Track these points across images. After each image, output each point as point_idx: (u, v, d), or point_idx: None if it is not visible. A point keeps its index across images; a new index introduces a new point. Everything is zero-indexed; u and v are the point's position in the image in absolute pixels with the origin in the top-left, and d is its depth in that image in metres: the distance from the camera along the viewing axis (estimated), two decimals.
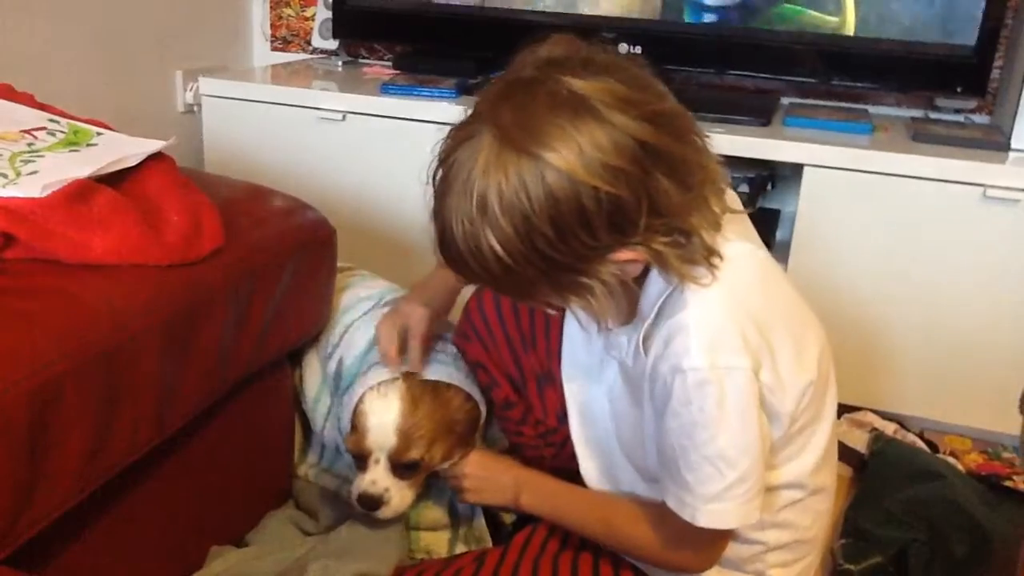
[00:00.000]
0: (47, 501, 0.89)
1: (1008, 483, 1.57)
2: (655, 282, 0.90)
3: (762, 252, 0.96)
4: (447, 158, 0.83)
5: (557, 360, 1.16)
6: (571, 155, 0.77)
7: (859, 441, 1.66)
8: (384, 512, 1.20)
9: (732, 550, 1.00)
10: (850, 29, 1.83)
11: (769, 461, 0.95)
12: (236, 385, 1.19)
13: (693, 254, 0.85)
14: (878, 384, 1.77)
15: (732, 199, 0.95)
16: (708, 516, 0.91)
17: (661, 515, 0.96)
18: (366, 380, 1.22)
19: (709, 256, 0.86)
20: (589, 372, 1.09)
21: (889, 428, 1.72)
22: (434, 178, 0.85)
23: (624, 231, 0.81)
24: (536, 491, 1.14)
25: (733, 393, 0.86)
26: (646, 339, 0.92)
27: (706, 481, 0.89)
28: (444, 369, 1.25)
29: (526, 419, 1.24)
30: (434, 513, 1.34)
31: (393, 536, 1.25)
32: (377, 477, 1.19)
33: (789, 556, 1.05)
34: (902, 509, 1.42)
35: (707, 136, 0.88)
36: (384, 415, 1.19)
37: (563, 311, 1.08)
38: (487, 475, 1.20)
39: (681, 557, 0.99)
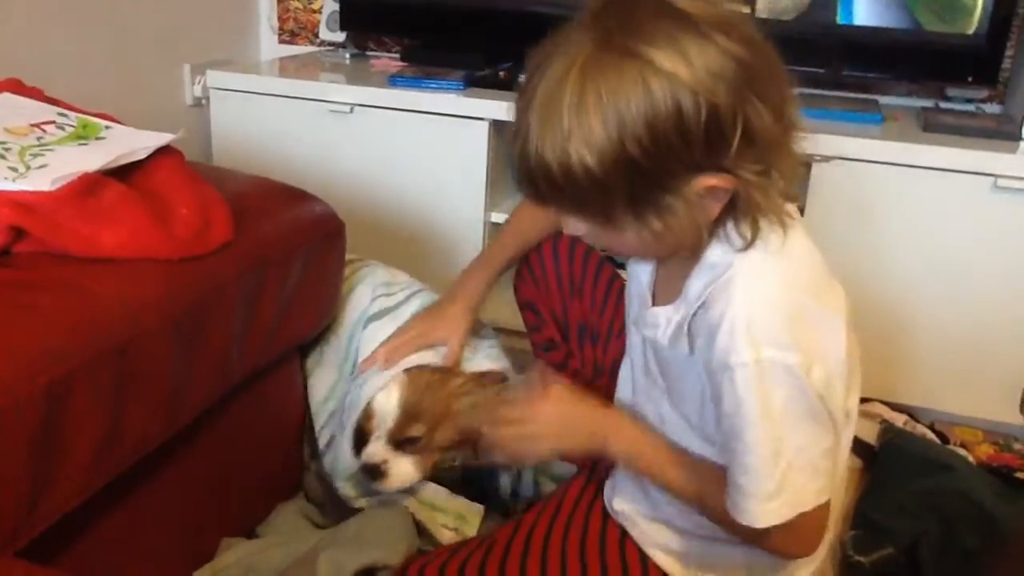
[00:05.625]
0: (60, 494, 0.90)
1: (1020, 475, 1.57)
2: (708, 267, 0.88)
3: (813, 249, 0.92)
4: (542, 63, 0.80)
5: (599, 315, 1.19)
6: (676, 57, 0.75)
7: (869, 433, 1.66)
8: (386, 483, 1.25)
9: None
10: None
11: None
12: (246, 378, 1.19)
13: (774, 195, 0.83)
14: (888, 375, 1.76)
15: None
16: (768, 516, 0.87)
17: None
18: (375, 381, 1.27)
19: (784, 203, 0.84)
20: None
21: (899, 420, 1.72)
22: (522, 90, 0.81)
23: (717, 150, 0.78)
24: (625, 442, 1.01)
25: (779, 389, 0.83)
26: (692, 327, 0.90)
27: (759, 480, 0.86)
28: (486, 362, 1.31)
29: (566, 364, 1.27)
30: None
31: (402, 526, 1.25)
32: (375, 449, 1.25)
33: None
34: (913, 500, 1.42)
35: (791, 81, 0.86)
36: (386, 398, 1.25)
37: (618, 270, 1.09)
38: (570, 414, 1.03)
39: (773, 546, 0.94)
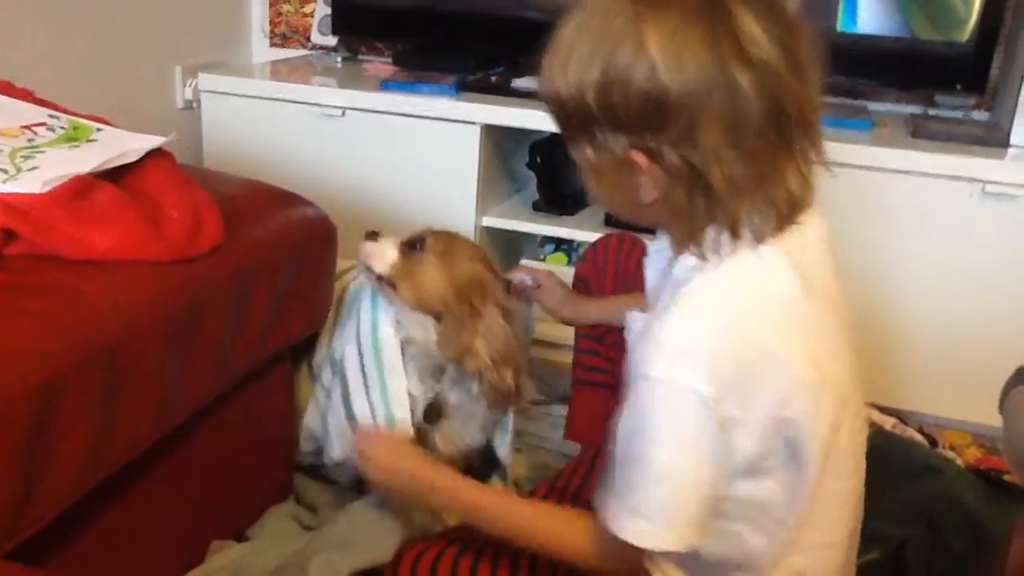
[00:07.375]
0: (50, 496, 0.90)
1: (1007, 478, 1.58)
2: (675, 279, 0.87)
3: (795, 284, 0.88)
4: None
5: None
6: (663, 48, 0.76)
7: None
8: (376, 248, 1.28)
9: None
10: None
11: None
12: (237, 381, 1.19)
13: (701, 215, 0.83)
14: (877, 379, 1.77)
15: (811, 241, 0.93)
16: (625, 529, 0.84)
17: (591, 526, 0.91)
18: None
19: (730, 233, 0.83)
20: None
21: (888, 423, 1.72)
22: None
23: (652, 127, 0.79)
24: (450, 498, 1.08)
25: (684, 415, 0.81)
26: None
27: (632, 490, 0.85)
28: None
29: (603, 338, 1.35)
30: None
31: (392, 525, 1.25)
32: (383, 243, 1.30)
33: None
34: (900, 505, 1.42)
35: (819, 159, 0.92)
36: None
37: None
38: (399, 467, 1.11)
39: (613, 568, 0.92)
